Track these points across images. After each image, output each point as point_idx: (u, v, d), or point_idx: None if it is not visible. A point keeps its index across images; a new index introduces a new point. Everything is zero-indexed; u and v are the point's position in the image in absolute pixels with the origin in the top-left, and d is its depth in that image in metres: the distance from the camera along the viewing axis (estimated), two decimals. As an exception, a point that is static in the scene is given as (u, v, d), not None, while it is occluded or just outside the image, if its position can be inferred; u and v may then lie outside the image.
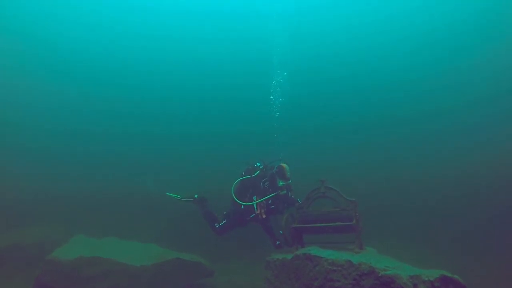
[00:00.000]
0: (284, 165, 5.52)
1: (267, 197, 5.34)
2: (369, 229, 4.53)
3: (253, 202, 5.42)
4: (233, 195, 5.55)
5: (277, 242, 5.28)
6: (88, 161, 11.00)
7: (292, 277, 4.05)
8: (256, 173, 5.69)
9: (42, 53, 12.55)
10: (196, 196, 6.07)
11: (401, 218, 8.23)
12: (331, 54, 12.65)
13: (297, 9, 11.74)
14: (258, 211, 5.33)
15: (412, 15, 12.15)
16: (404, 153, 11.23)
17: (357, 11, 12.45)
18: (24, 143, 10.96)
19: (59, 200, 8.85)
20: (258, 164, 5.90)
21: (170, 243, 6.53)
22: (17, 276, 6.09)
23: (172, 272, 5.59)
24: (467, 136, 10.72)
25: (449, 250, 6.94)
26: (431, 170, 10.08)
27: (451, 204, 8.56)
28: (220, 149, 11.32)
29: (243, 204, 5.44)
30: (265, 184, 5.51)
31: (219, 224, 5.85)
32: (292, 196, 5.58)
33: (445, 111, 11.75)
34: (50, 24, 12.31)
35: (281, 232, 5.14)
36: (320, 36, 12.58)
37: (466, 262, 6.35)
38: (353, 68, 12.69)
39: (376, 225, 6.12)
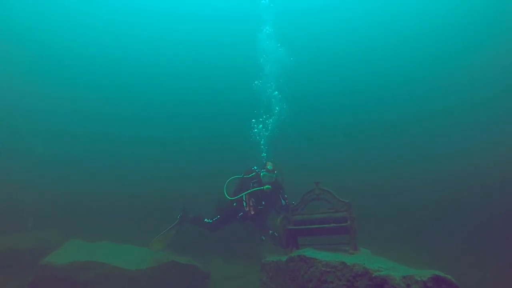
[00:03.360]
0: (269, 162, 5.87)
1: (252, 190, 5.59)
2: (363, 230, 4.52)
3: (241, 195, 5.65)
4: (225, 191, 5.76)
5: (270, 232, 5.53)
6: (82, 165, 10.97)
7: (286, 279, 4.04)
8: (250, 175, 5.91)
9: (41, 56, 12.57)
10: (178, 217, 6.19)
11: (396, 219, 8.21)
12: (326, 55, 12.67)
13: (293, 10, 11.79)
14: (247, 209, 5.51)
15: (411, 15, 12.20)
16: (400, 154, 11.22)
17: (354, 13, 12.50)
18: (20, 147, 10.93)
19: (53, 205, 8.81)
20: (255, 167, 6.10)
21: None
22: (12, 281, 6.01)
23: (167, 276, 5.58)
24: (465, 136, 10.72)
25: (445, 252, 6.92)
26: (428, 170, 10.07)
27: (447, 205, 8.55)
28: (214, 153, 11.30)
29: (230, 199, 5.68)
30: (255, 184, 5.73)
31: (212, 219, 5.95)
32: (287, 201, 5.67)
33: (444, 112, 11.76)
34: (48, 26, 12.36)
35: (270, 233, 5.25)
36: (317, 37, 12.61)
37: (463, 263, 6.32)
38: (349, 69, 12.70)
39: (371, 226, 6.11)
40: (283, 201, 5.75)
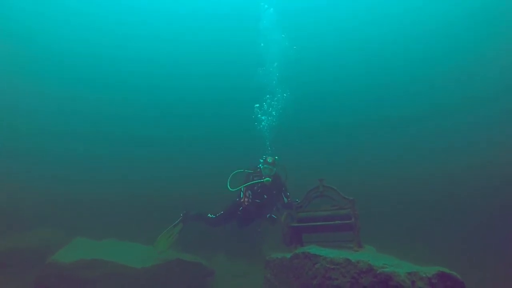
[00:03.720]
0: (269, 156, 6.01)
1: (252, 182, 5.73)
2: (368, 227, 4.55)
3: (240, 187, 5.78)
4: (228, 184, 5.85)
5: (268, 215, 5.63)
6: (87, 163, 10.99)
7: (291, 276, 4.07)
8: (252, 170, 6.04)
9: (40, 55, 12.58)
10: (181, 214, 6.22)
11: (401, 216, 8.24)
12: (328, 53, 12.69)
13: (292, 8, 11.78)
14: (243, 199, 5.69)
15: (409, 14, 12.21)
16: (403, 152, 11.24)
17: (354, 11, 12.51)
18: (23, 146, 10.94)
19: (59, 203, 8.83)
20: (260, 165, 6.19)
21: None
22: (17, 280, 6.03)
23: (172, 273, 5.60)
24: (466, 134, 10.74)
25: (445, 251, 6.93)
26: (431, 169, 10.09)
27: (451, 203, 8.55)
28: (214, 152, 11.33)
29: (231, 190, 5.78)
30: (255, 178, 5.87)
31: (215, 215, 6.07)
32: (289, 199, 5.74)
33: (443, 110, 11.78)
34: (48, 26, 12.36)
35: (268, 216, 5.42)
36: (317, 36, 12.61)
37: (463, 263, 6.31)
38: (350, 68, 12.72)
39: (375, 223, 6.14)
40: (285, 199, 5.83)
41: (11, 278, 6.09)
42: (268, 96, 8.14)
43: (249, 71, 9.31)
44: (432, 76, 12.32)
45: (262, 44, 9.18)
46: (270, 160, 5.88)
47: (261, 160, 6.08)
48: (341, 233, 4.39)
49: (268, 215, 5.65)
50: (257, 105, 7.90)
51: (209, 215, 6.11)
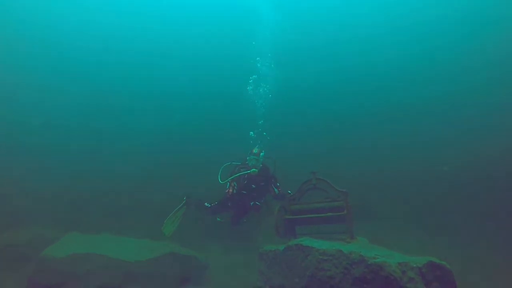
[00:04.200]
0: (255, 147, 6.10)
1: (239, 174, 5.83)
2: (362, 219, 4.58)
3: (228, 180, 5.89)
4: (219, 177, 5.96)
5: (251, 203, 5.75)
6: (79, 158, 10.90)
7: (284, 267, 4.10)
8: (240, 163, 6.16)
9: (39, 51, 12.36)
10: (184, 198, 6.29)
11: (394, 208, 8.28)
12: (320, 44, 12.57)
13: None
14: (228, 190, 5.83)
15: (406, 4, 12.13)
16: (398, 145, 11.25)
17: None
18: (16, 141, 10.81)
19: (51, 198, 8.77)
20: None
21: (164, 238, 6.53)
22: (11, 276, 6.02)
23: (167, 267, 5.61)
24: (465, 126, 10.72)
25: (445, 250, 6.93)
26: (427, 160, 10.09)
27: (447, 195, 8.55)
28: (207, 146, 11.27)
29: (221, 182, 5.90)
30: (242, 169, 5.96)
31: (210, 204, 6.18)
32: (280, 190, 5.78)
33: (439, 104, 11.77)
34: (48, 22, 12.14)
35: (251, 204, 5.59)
36: (310, 27, 12.50)
37: (463, 263, 6.33)
38: (344, 58, 12.64)
39: (369, 215, 6.17)
40: (276, 190, 5.86)
41: (5, 274, 6.07)
42: (258, 58, 8.07)
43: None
44: (430, 65, 12.23)
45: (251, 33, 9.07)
46: (256, 151, 5.91)
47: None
48: (334, 225, 4.42)
49: (252, 203, 5.70)
50: (255, 76, 7.88)
51: (205, 203, 6.21)
